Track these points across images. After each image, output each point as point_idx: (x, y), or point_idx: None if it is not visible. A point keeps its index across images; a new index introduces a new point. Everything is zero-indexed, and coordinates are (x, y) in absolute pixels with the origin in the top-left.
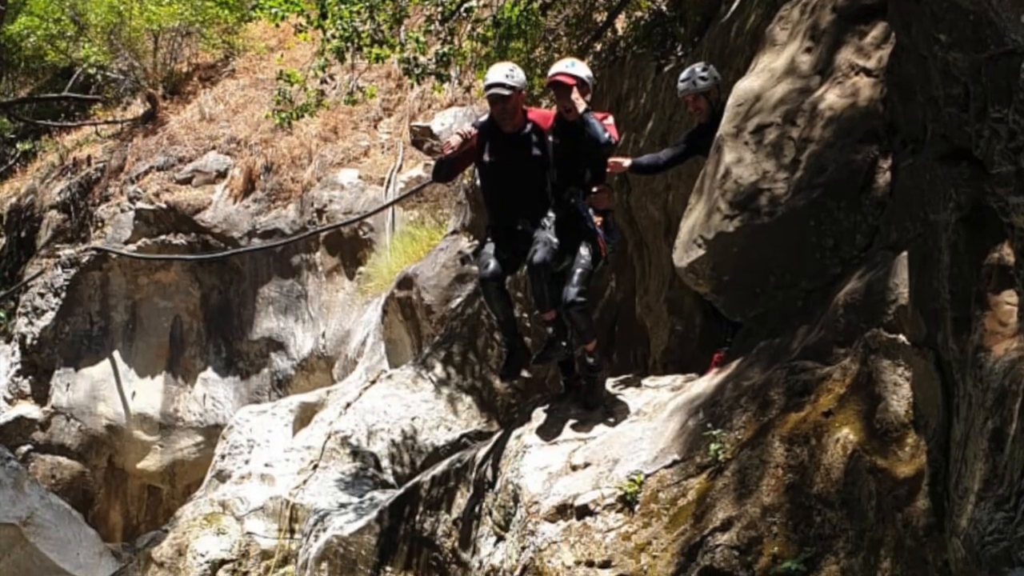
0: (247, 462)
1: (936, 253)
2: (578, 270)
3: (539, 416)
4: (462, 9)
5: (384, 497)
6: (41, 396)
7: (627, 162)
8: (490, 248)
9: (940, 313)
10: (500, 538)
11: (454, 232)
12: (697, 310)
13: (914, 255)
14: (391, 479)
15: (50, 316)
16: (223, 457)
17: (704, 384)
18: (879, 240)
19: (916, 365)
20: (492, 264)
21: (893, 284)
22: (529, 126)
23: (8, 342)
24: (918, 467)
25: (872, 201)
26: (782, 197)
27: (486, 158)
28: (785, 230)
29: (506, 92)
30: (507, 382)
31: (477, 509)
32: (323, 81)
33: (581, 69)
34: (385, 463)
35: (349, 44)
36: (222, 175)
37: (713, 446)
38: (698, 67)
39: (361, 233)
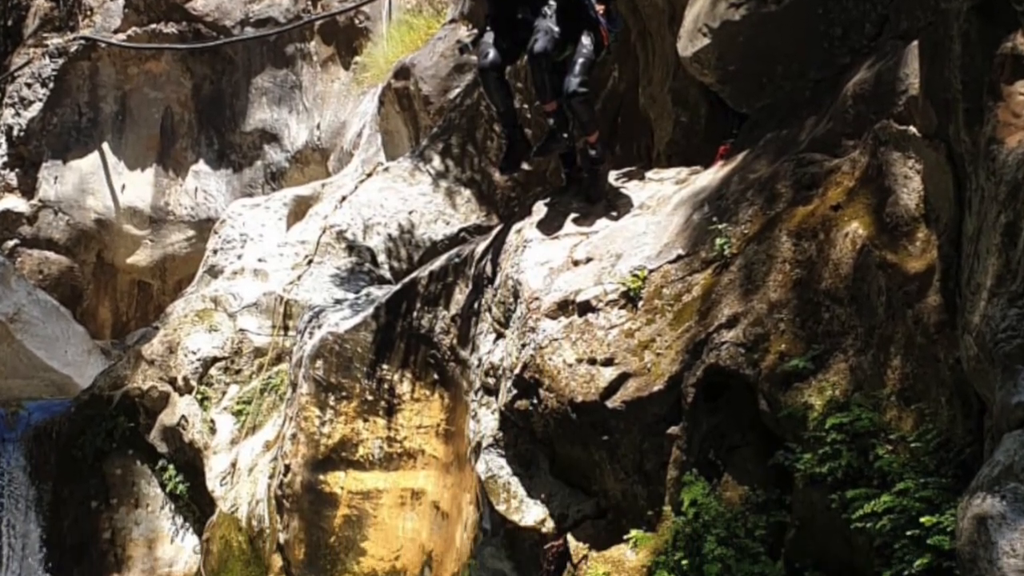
0: (240, 257)
1: (947, 42)
2: (580, 59)
3: (540, 210)
4: None
5: (381, 293)
6: (28, 189)
7: None
8: (489, 37)
9: (952, 104)
10: (500, 335)
11: (453, 20)
12: (702, 101)
13: (925, 44)
14: (388, 274)
15: (37, 107)
16: (215, 252)
17: (709, 177)
18: (889, 29)
19: (927, 157)
20: (491, 53)
21: (903, 74)
22: None
23: None
24: (929, 262)
25: None
26: None
27: None
28: (792, 18)
29: None
30: (507, 175)
31: (476, 305)
32: None
33: None
34: (382, 258)
35: None
36: None
37: (718, 240)
38: None
39: (357, 21)
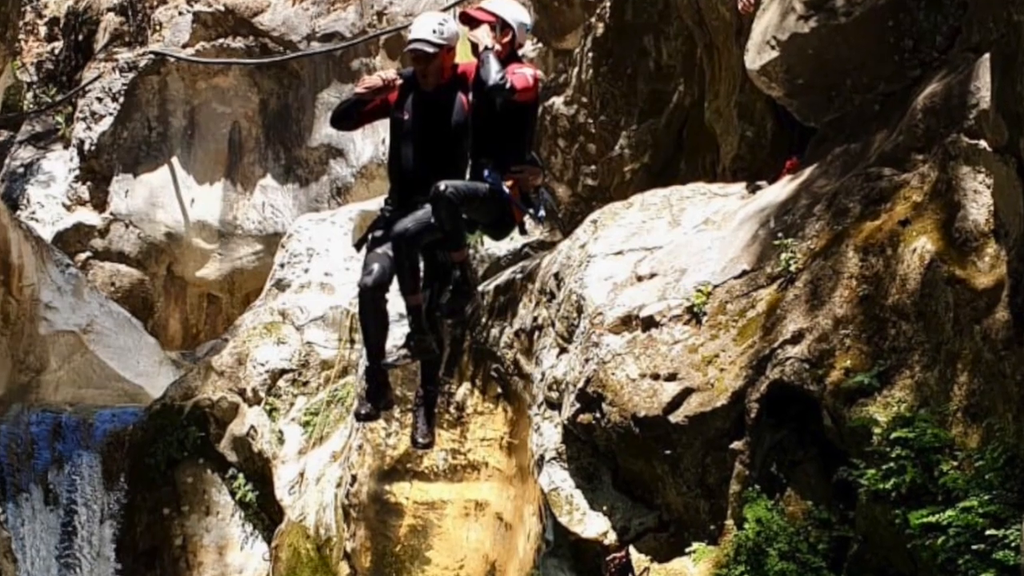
0: (306, 271)
1: (1020, 55)
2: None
3: (604, 225)
4: None
5: None
6: (99, 203)
7: None
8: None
9: (1023, 118)
10: (563, 350)
11: None
12: (769, 115)
13: (997, 57)
14: None
15: (108, 121)
16: (282, 266)
17: (775, 192)
18: (960, 42)
19: (997, 172)
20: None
21: (974, 88)
22: (455, 83)
23: (66, 147)
24: (998, 278)
25: (953, 1)
26: None
27: (401, 115)
28: (862, 31)
29: (430, 50)
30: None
31: (539, 320)
32: None
33: (506, 7)
34: None
35: None
36: None
37: (784, 256)
38: None
39: None
